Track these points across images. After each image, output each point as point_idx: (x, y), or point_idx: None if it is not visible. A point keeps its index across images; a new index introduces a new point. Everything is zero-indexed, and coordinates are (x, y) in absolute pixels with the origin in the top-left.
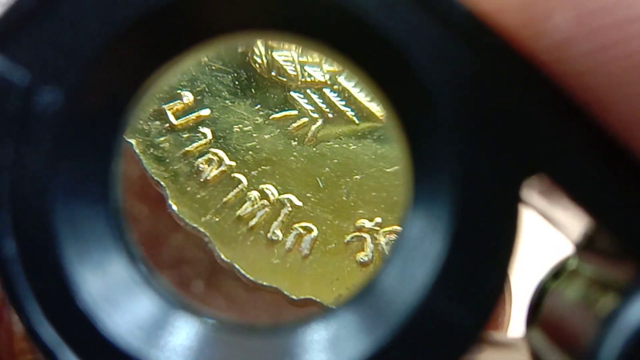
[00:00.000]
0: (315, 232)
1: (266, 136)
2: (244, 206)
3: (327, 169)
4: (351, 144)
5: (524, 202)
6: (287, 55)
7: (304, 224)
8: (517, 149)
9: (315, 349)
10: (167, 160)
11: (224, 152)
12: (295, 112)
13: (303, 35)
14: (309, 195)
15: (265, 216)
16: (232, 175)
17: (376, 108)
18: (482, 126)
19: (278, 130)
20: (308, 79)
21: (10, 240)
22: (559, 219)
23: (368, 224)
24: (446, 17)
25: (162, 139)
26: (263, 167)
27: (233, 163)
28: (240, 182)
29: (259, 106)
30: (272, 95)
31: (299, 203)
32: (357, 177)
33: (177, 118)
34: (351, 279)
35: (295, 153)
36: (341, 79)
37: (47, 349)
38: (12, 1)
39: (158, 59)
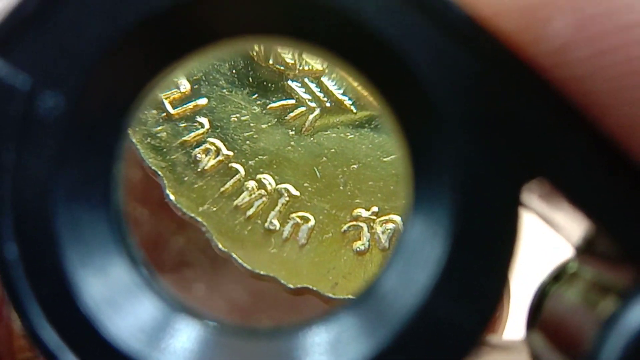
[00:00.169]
0: (312, 222)
1: (263, 126)
2: (242, 196)
3: (324, 158)
4: (349, 133)
5: (524, 205)
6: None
7: (301, 213)
8: (517, 153)
9: (316, 352)
10: (165, 149)
11: (222, 141)
12: (292, 102)
13: (304, 40)
14: (306, 184)
15: (263, 206)
16: (230, 165)
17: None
18: (483, 130)
19: (275, 119)
20: (306, 67)
21: (12, 243)
22: (559, 222)
23: (365, 213)
24: (446, 21)
25: (159, 128)
26: (260, 157)
27: (230, 153)
28: (237, 171)
29: (256, 95)
30: (270, 84)
31: (296, 193)
32: (354, 166)
33: (174, 107)
34: (348, 267)
35: (292, 143)
36: None
37: (49, 352)
38: (14, 4)
39: (159, 64)
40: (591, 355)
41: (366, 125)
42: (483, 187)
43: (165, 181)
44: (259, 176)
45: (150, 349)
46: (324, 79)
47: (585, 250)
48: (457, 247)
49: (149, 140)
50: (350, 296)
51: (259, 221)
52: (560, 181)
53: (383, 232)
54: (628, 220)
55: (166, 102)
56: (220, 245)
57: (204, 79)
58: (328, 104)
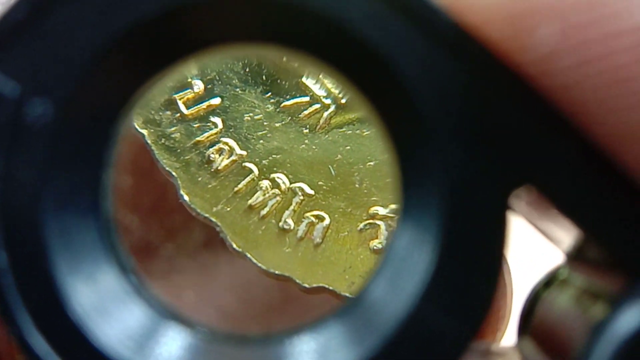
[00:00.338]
0: (327, 221)
1: (277, 124)
2: (255, 195)
3: (339, 156)
4: (364, 130)
5: (513, 212)
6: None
7: (316, 212)
8: (505, 160)
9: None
10: (178, 150)
11: (235, 141)
12: (306, 99)
13: (292, 47)
14: (320, 183)
15: (277, 205)
16: (243, 164)
17: None
18: (470, 138)
19: (289, 118)
20: None
21: (1, 250)
22: (548, 229)
23: (382, 211)
24: (433, 29)
25: (173, 129)
26: (274, 156)
27: (244, 152)
28: (251, 171)
29: (269, 94)
30: (284, 82)
31: (311, 191)
32: (371, 163)
33: (187, 107)
34: (364, 266)
35: (306, 141)
36: None
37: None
38: (3, 13)
39: (148, 71)
40: None
41: None
42: (471, 194)
43: (179, 182)
44: (272, 175)
45: (140, 357)
46: None
47: (576, 256)
48: (446, 254)
49: (163, 141)
50: None
51: (273, 220)
52: (548, 188)
53: None
54: (616, 227)
55: (180, 103)
56: (234, 245)
57: (217, 78)
58: (344, 100)
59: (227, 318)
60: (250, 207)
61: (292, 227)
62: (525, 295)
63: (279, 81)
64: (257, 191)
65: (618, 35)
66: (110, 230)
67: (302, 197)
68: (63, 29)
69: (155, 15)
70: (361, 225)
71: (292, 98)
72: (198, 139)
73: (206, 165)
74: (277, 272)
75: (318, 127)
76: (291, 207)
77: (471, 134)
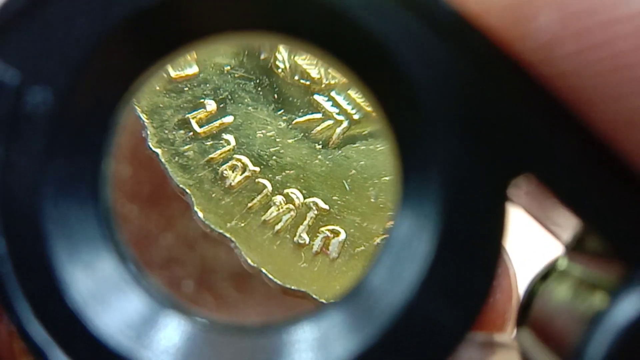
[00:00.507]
0: (343, 235)
1: (290, 140)
2: (269, 211)
3: (353, 171)
4: (378, 145)
5: (512, 201)
6: (311, 58)
7: (331, 227)
8: (504, 148)
9: (304, 348)
10: (192, 168)
11: (248, 157)
12: (319, 116)
13: (292, 36)
14: (335, 198)
15: (291, 220)
16: (257, 180)
17: None
18: (470, 126)
19: (302, 134)
20: (332, 81)
21: (0, 238)
22: (547, 220)
23: None
24: (433, 18)
25: (186, 147)
26: (287, 172)
27: (257, 168)
28: (264, 187)
29: (282, 111)
30: (296, 100)
31: (325, 206)
32: (386, 178)
33: (200, 126)
34: None
35: (319, 156)
36: None
37: (37, 348)
38: (3, 1)
39: (147, 59)
40: (578, 352)
41: None
42: (470, 183)
43: (193, 199)
44: (286, 191)
45: (138, 345)
46: (352, 92)
47: (575, 247)
48: (444, 243)
49: (176, 159)
50: None
51: (288, 235)
52: (547, 177)
53: None
54: (616, 216)
55: (193, 122)
56: (249, 261)
57: (229, 97)
58: (356, 117)
59: (226, 307)
60: (265, 222)
61: (307, 242)
62: (524, 286)
63: (290, 99)
64: (271, 206)
65: (617, 22)
66: (109, 219)
67: (316, 212)
68: (62, 17)
69: (155, 2)
70: (378, 240)
71: (304, 115)
72: (211, 156)
73: (220, 182)
74: (293, 287)
75: (331, 142)
76: (306, 222)
77: (471, 122)
